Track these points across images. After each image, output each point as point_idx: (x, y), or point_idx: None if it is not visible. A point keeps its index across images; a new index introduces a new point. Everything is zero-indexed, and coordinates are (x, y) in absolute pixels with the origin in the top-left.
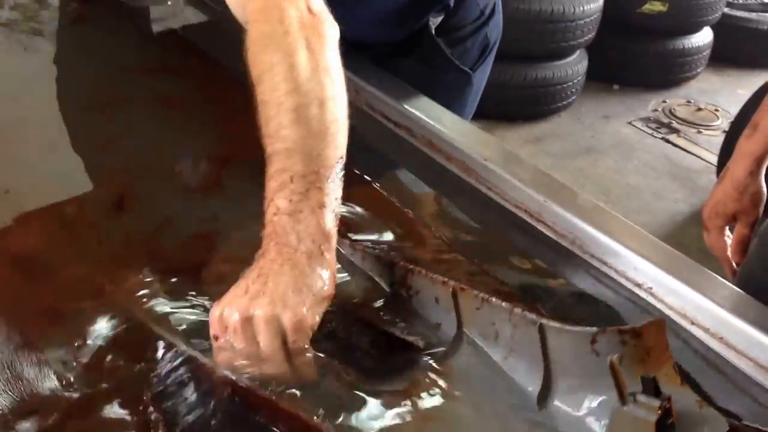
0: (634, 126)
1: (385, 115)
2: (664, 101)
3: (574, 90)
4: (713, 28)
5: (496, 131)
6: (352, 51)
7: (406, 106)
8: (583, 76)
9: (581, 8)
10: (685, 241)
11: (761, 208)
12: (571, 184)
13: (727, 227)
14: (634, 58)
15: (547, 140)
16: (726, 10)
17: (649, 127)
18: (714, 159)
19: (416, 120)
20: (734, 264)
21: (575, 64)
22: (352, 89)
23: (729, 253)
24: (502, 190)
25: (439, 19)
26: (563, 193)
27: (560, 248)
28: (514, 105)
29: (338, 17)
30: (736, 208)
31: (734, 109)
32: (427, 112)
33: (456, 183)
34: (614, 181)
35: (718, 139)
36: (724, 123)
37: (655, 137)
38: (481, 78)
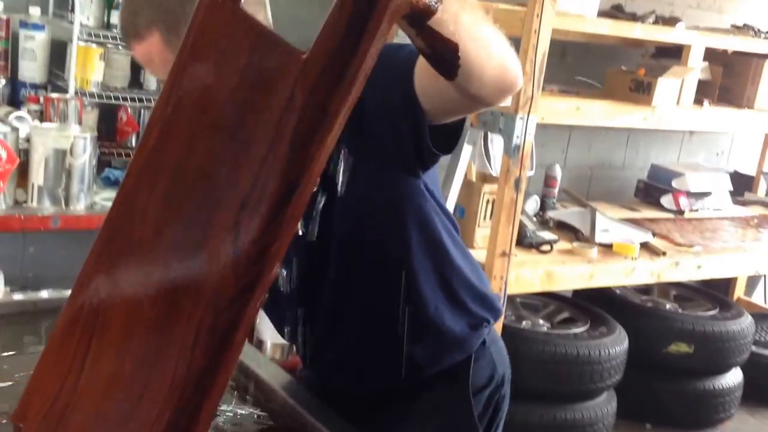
0: None
1: None
2: None
3: (604, 431)
4: (743, 368)
5: None
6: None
7: None
8: (613, 416)
9: (606, 351)
10: None
11: None
12: None
13: None
14: (664, 398)
15: None
16: (754, 348)
17: None
18: None
19: None
20: None
21: (605, 405)
22: None
23: None
24: None
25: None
26: None
27: None
28: None
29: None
30: None
31: None
32: None
33: None
34: None
35: None
36: None
37: None
38: None
